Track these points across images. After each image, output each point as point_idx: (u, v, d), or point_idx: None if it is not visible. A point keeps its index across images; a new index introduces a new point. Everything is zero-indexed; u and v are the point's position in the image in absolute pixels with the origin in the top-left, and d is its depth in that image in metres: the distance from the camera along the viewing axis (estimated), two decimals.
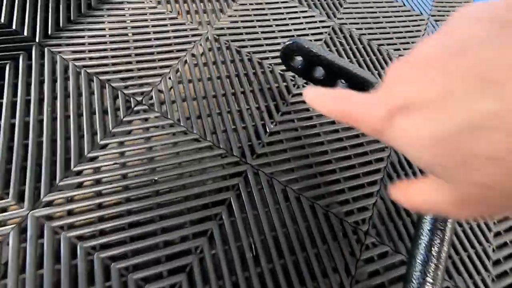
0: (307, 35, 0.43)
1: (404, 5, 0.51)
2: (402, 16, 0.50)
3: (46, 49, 0.33)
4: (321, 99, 0.18)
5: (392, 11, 0.50)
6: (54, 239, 0.25)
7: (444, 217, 0.22)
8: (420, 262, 0.22)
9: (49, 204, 0.26)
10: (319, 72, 0.27)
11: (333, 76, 0.26)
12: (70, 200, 0.26)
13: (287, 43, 0.27)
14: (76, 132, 0.29)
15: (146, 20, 0.38)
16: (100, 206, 0.27)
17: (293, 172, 0.32)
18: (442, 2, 0.54)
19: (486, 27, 0.10)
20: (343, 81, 0.26)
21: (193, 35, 0.38)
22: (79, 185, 0.27)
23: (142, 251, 0.25)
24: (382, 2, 0.50)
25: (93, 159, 0.28)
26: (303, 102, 0.37)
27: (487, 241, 0.33)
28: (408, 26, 0.49)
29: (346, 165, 0.33)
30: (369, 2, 0.50)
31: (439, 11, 0.53)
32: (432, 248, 0.22)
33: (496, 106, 0.09)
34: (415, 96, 0.12)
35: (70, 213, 0.26)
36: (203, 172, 0.30)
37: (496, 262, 0.32)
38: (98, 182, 0.28)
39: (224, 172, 0.30)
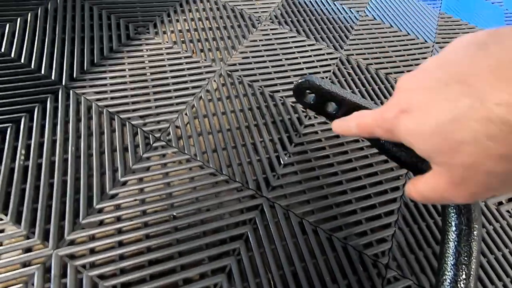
0: (316, 67, 0.44)
1: (409, 34, 0.53)
2: (407, 44, 0.51)
3: (71, 91, 0.35)
4: (345, 125, 0.23)
5: (397, 40, 0.51)
6: (77, 279, 0.25)
7: (468, 250, 0.22)
8: (450, 279, 0.22)
9: (72, 242, 0.26)
10: (331, 107, 0.28)
11: (345, 111, 0.27)
12: (92, 238, 0.27)
13: (299, 81, 0.28)
14: (98, 169, 0.31)
15: (163, 59, 0.41)
16: (120, 244, 0.27)
17: (308, 204, 0.32)
18: (446, 30, 0.56)
19: (467, 49, 0.14)
20: None
21: (207, 72, 0.41)
22: (101, 223, 0.28)
23: None
24: (387, 33, 0.52)
25: (114, 196, 0.29)
26: (315, 132, 0.37)
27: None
28: (414, 54, 0.50)
29: (362, 195, 0.33)
30: (374, 33, 0.52)
31: (443, 38, 0.54)
32: (459, 285, 0.21)
33: (472, 100, 0.13)
34: (414, 101, 0.16)
35: (92, 251, 0.26)
36: (220, 206, 0.30)
37: None
38: (118, 219, 0.28)
39: (240, 206, 0.31)
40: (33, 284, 0.24)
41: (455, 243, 0.22)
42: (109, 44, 0.41)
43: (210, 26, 0.46)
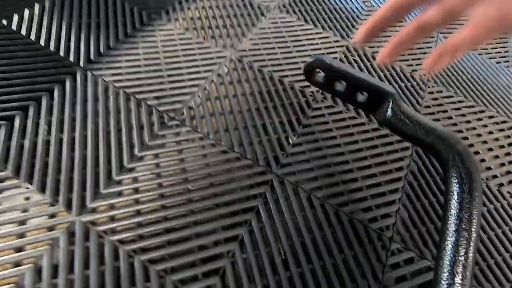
0: (323, 54, 0.46)
1: None
2: None
3: (89, 73, 0.37)
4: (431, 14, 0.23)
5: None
6: (99, 243, 0.26)
7: (468, 217, 0.23)
8: (447, 263, 0.23)
9: (94, 210, 0.28)
10: (340, 85, 0.29)
11: (353, 88, 0.28)
12: (112, 207, 0.29)
13: (310, 60, 0.29)
14: (116, 145, 0.32)
15: (175, 45, 0.42)
16: (138, 213, 0.29)
17: (316, 181, 0.33)
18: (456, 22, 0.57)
19: None
20: (363, 93, 0.28)
21: (218, 57, 0.42)
22: (120, 194, 0.29)
23: (178, 254, 0.27)
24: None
25: (131, 170, 0.31)
26: (323, 115, 0.39)
27: None
28: (419, 43, 0.51)
29: (368, 173, 0.35)
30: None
31: (448, 27, 0.55)
32: (459, 249, 0.23)
33: None
34: None
35: (112, 219, 0.28)
36: (232, 181, 0.32)
37: None
38: (136, 190, 0.30)
39: (251, 181, 0.32)
40: (58, 246, 0.26)
41: (457, 210, 0.24)
42: (124, 29, 0.42)
43: (220, 14, 0.47)
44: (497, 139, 0.41)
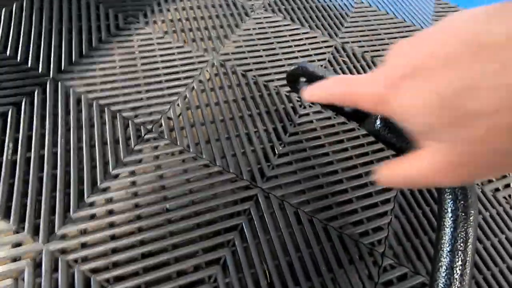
0: (311, 55, 0.44)
1: (405, 20, 0.52)
2: (403, 31, 0.50)
3: (59, 83, 0.34)
4: (321, 88, 0.19)
5: (393, 27, 0.51)
6: (69, 273, 0.25)
7: (464, 236, 0.22)
8: (446, 265, 0.21)
9: (63, 237, 0.26)
10: None
11: None
12: (84, 232, 0.27)
13: (292, 67, 0.27)
14: (89, 162, 0.30)
15: (154, 50, 0.40)
16: (113, 237, 0.27)
17: (304, 194, 0.31)
18: (442, 16, 0.55)
19: (475, 17, 0.12)
20: None
21: (199, 62, 0.40)
22: (92, 216, 0.27)
23: (155, 282, 0.25)
24: (382, 20, 0.51)
25: (105, 189, 0.29)
26: (310, 122, 0.37)
27: (511, 258, 0.31)
28: None
29: (358, 184, 0.33)
30: (369, 20, 0.51)
31: None
32: (455, 271, 0.21)
33: (491, 66, 0.11)
34: (418, 64, 0.13)
35: (83, 245, 0.26)
36: (214, 197, 0.30)
37: None
38: (110, 212, 0.28)
39: (235, 197, 0.30)
40: (23, 279, 0.24)
41: (451, 229, 0.22)
42: (98, 34, 0.40)
43: (202, 15, 0.45)
44: None
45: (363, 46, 0.46)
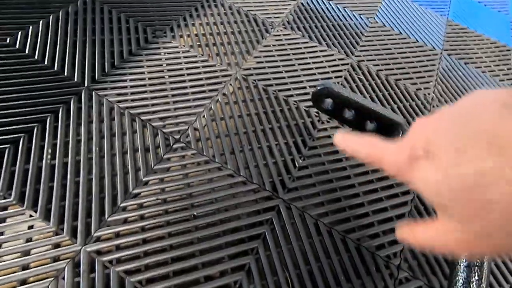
0: (328, 72, 0.46)
1: (417, 41, 0.54)
2: (416, 51, 0.52)
3: (94, 93, 0.36)
4: (353, 142, 0.20)
5: (406, 47, 0.53)
6: (104, 274, 0.26)
7: (479, 274, 0.23)
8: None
9: (99, 239, 0.28)
10: (349, 113, 0.29)
11: (362, 117, 0.28)
12: (118, 235, 0.28)
13: (318, 88, 0.29)
14: (121, 169, 0.32)
15: (180, 63, 0.42)
16: (144, 241, 0.28)
17: (323, 206, 0.33)
18: (453, 37, 0.57)
19: (490, 106, 0.14)
20: (372, 121, 0.28)
21: (223, 76, 0.42)
22: (125, 221, 0.29)
23: (185, 285, 0.27)
24: (396, 39, 0.53)
25: (137, 195, 0.31)
26: (329, 137, 0.39)
27: None
28: (423, 61, 0.51)
29: (374, 198, 0.34)
30: (383, 40, 0.53)
31: (451, 45, 0.55)
32: (471, 286, 0.22)
33: (500, 161, 0.12)
34: (435, 147, 0.15)
35: (118, 247, 0.28)
36: (238, 206, 0.32)
37: None
38: (142, 217, 0.29)
39: (258, 207, 0.32)
40: (63, 278, 0.25)
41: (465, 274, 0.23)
42: (128, 47, 0.42)
43: (225, 30, 0.47)
44: None
45: (378, 65, 0.48)
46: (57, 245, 0.27)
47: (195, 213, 0.30)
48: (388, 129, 0.27)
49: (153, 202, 0.30)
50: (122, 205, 0.30)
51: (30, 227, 0.27)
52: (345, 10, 0.56)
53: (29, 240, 0.27)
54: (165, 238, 0.29)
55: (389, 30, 0.55)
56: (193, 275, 0.27)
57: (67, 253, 0.26)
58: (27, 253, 0.26)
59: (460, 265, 0.23)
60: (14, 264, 0.25)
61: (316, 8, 0.54)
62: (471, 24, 0.62)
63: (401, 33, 0.55)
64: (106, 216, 0.29)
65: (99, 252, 0.27)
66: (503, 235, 0.13)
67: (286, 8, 0.53)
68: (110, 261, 0.27)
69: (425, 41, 0.54)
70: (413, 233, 0.18)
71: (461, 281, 0.23)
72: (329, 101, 0.30)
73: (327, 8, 0.55)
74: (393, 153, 0.17)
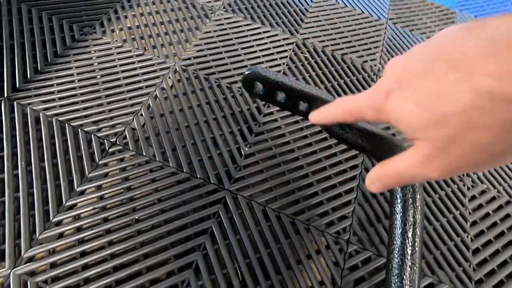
0: (272, 53, 0.44)
1: (363, 12, 0.54)
2: (362, 23, 0.52)
3: (15, 103, 0.33)
4: (326, 110, 0.22)
5: (352, 20, 0.52)
6: None
7: (412, 220, 0.23)
8: (397, 247, 0.23)
9: (31, 259, 0.26)
10: (281, 96, 0.28)
11: (293, 98, 0.27)
12: (52, 252, 0.27)
13: (245, 73, 0.28)
14: (52, 181, 0.30)
15: (113, 60, 0.39)
16: (82, 254, 0.27)
17: (271, 191, 0.33)
18: (398, 5, 0.57)
19: (454, 33, 0.15)
20: (303, 102, 0.28)
21: (161, 69, 0.40)
22: (60, 236, 0.27)
23: None
24: (342, 13, 0.52)
25: (72, 207, 0.29)
26: (275, 120, 0.38)
27: (465, 231, 0.34)
28: (369, 32, 0.51)
29: (323, 176, 0.34)
30: (329, 14, 0.52)
31: (396, 13, 0.55)
32: (407, 233, 0.23)
33: (460, 74, 0.14)
34: (402, 79, 0.16)
35: (53, 265, 0.26)
36: (183, 204, 0.31)
37: (475, 251, 0.33)
38: (78, 229, 0.28)
39: (203, 202, 0.31)
40: None
41: (401, 214, 0.24)
42: (53, 48, 0.39)
43: (161, 20, 0.44)
44: None
45: (324, 41, 0.48)
46: None
47: (136, 217, 0.29)
48: (319, 107, 0.27)
49: (91, 211, 0.29)
50: (56, 219, 0.28)
51: None
52: None
53: None
54: (105, 248, 0.27)
55: (334, 4, 0.54)
56: (138, 281, 0.26)
57: None
58: None
59: (395, 233, 0.24)
60: None
61: None
62: None
63: (346, 5, 0.54)
64: (37, 234, 0.27)
65: (32, 273, 0.25)
66: (459, 150, 0.15)
67: None
68: (45, 281, 0.25)
69: (370, 12, 0.54)
70: (385, 171, 0.18)
71: (396, 249, 0.24)
72: (259, 85, 0.29)
73: None
74: (368, 97, 0.18)
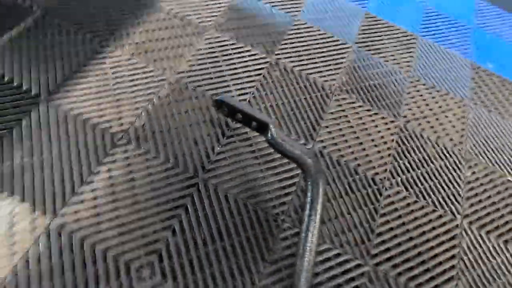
0: (250, 70, 0.55)
1: (333, 36, 0.63)
2: (330, 46, 0.62)
3: (50, 103, 0.45)
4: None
5: (323, 43, 0.62)
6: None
7: (315, 203, 0.35)
8: (306, 218, 0.35)
9: (69, 212, 0.39)
10: (238, 116, 0.40)
11: (246, 118, 0.39)
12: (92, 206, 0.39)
13: (215, 98, 0.40)
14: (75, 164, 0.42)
15: (123, 70, 0.50)
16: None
17: (233, 181, 0.45)
18: (366, 29, 0.67)
19: None
20: (254, 121, 0.40)
21: (160, 80, 0.51)
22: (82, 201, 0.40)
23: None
24: (315, 36, 0.62)
25: (90, 183, 0.41)
26: (244, 127, 0.49)
27: (374, 220, 0.46)
28: (334, 55, 0.61)
29: (273, 172, 0.46)
30: (304, 37, 0.62)
31: (362, 37, 0.65)
32: (312, 209, 0.35)
33: None
34: None
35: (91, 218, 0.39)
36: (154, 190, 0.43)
37: (379, 234, 0.45)
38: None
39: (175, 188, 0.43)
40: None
41: (309, 203, 0.36)
42: (76, 58, 0.50)
43: (162, 36, 0.55)
44: (382, 137, 0.54)
45: (294, 62, 0.58)
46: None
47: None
48: (264, 126, 0.38)
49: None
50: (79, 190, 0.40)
51: (11, 213, 0.38)
52: (272, 8, 0.64)
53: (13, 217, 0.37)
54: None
55: (311, 27, 0.63)
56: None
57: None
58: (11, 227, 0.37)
59: (304, 214, 0.36)
60: None
61: (247, 9, 0.62)
62: (389, 15, 0.71)
63: (319, 30, 0.64)
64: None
65: (70, 225, 0.38)
66: None
67: (219, 10, 0.61)
68: (83, 235, 0.38)
69: (340, 36, 0.64)
70: None
71: (305, 224, 0.36)
72: (225, 107, 0.40)
73: (256, 7, 0.63)
74: None
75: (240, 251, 0.40)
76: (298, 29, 0.62)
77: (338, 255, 0.42)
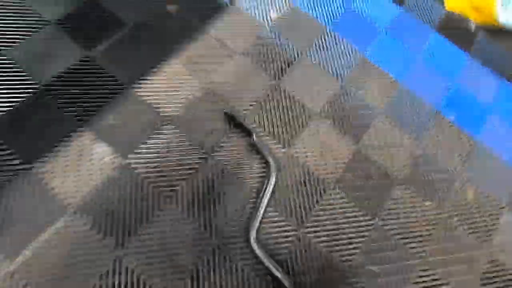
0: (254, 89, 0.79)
1: (329, 73, 0.84)
2: (324, 83, 0.83)
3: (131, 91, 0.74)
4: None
5: (321, 79, 0.83)
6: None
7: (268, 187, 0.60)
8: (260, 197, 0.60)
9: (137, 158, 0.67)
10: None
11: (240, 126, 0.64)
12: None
13: (225, 111, 0.65)
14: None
15: None
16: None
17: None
18: (355, 72, 0.86)
19: None
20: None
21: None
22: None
23: None
24: (317, 75, 0.84)
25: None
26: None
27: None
28: (324, 89, 0.82)
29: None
30: (306, 74, 0.83)
31: (352, 78, 0.84)
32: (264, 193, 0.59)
33: None
34: None
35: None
36: None
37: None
38: None
39: None
40: None
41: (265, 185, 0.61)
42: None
43: None
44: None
45: (293, 91, 0.80)
46: None
47: None
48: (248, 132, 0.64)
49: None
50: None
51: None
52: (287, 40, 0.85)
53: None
54: None
55: (313, 65, 0.84)
56: None
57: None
58: None
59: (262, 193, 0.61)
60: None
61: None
62: (383, 62, 0.88)
63: (320, 68, 0.84)
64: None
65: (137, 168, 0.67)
66: None
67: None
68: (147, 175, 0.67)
69: (335, 75, 0.84)
70: None
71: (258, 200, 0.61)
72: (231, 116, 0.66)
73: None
74: None
75: None
76: (301, 63, 0.84)
77: (281, 220, 0.66)
